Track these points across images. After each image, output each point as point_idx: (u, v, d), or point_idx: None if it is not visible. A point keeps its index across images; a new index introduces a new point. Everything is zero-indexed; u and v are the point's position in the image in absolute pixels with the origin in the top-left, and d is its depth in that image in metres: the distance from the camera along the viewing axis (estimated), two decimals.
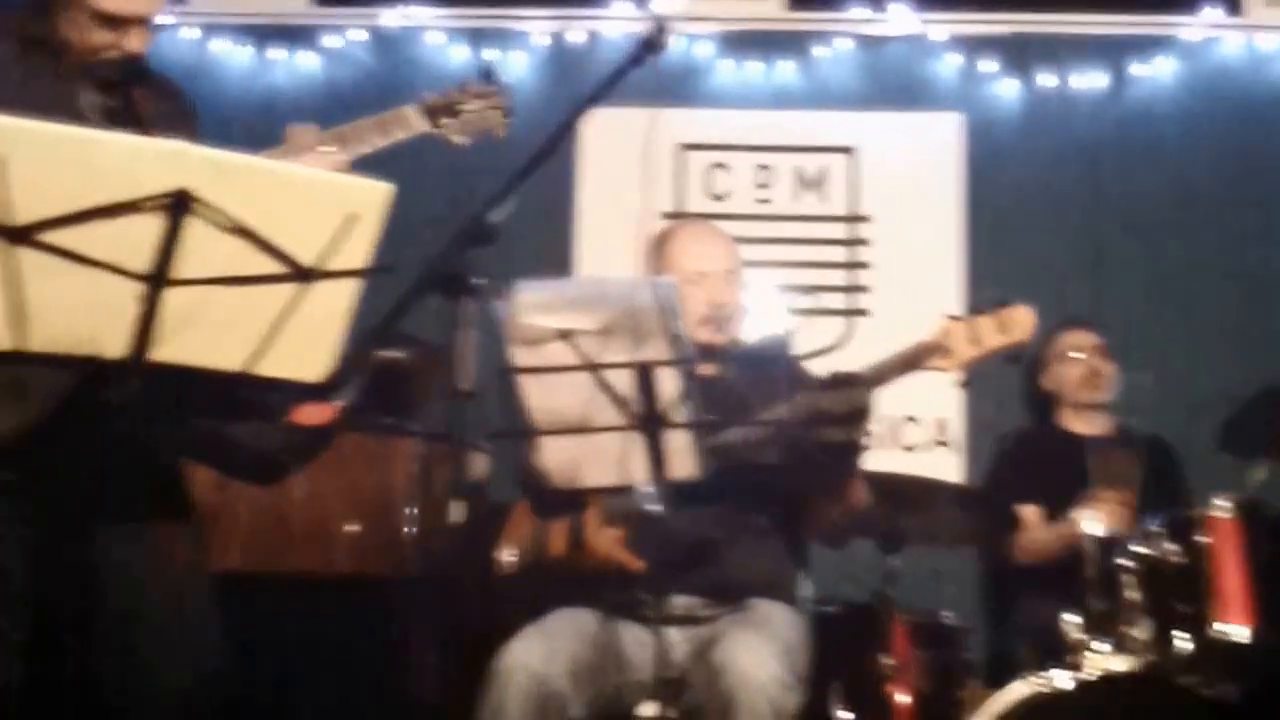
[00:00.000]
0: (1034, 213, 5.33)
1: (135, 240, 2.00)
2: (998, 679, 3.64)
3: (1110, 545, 3.48)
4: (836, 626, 3.69)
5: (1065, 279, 5.21)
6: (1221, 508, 3.42)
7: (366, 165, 2.66)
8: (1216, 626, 3.31)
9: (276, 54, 5.56)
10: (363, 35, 5.53)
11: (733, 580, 3.29)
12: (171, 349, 2.07)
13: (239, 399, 2.64)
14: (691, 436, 2.79)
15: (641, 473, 2.79)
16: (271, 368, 2.14)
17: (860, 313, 5.33)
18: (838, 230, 5.39)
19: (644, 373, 2.73)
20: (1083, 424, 4.46)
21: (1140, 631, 3.37)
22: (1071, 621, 3.42)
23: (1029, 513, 4.26)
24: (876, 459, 3.54)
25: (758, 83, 5.49)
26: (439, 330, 2.43)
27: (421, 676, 3.65)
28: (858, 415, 3.09)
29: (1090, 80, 5.40)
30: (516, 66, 5.43)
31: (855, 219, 5.39)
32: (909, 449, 5.15)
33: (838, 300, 5.35)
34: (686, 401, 2.75)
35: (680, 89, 5.31)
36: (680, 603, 3.23)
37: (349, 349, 2.20)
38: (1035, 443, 4.49)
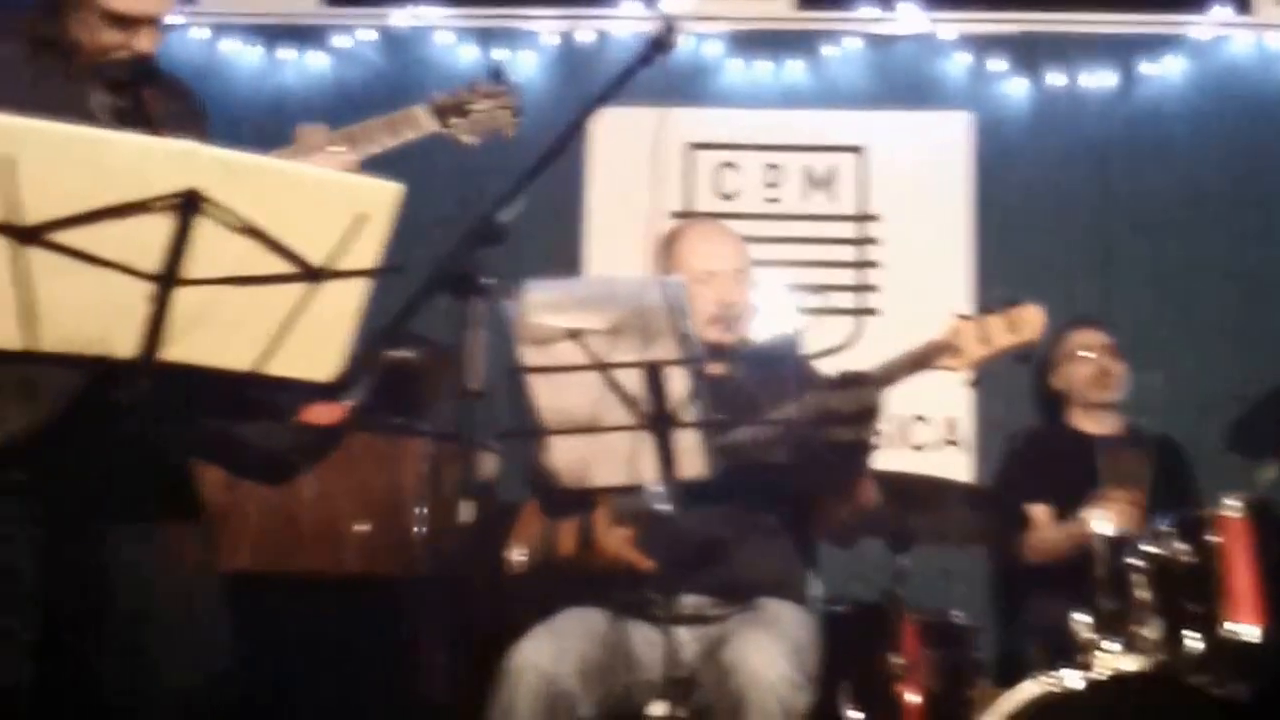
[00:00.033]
0: (1043, 212, 5.33)
1: (145, 240, 2.00)
2: (1008, 678, 3.64)
3: (1120, 545, 3.47)
4: (846, 626, 3.69)
5: (1074, 278, 5.20)
6: (1232, 507, 3.41)
7: (376, 165, 2.66)
8: (1227, 626, 3.30)
9: (286, 54, 5.56)
10: (372, 35, 5.54)
11: (742, 580, 3.28)
12: (181, 349, 2.07)
13: (248, 399, 2.64)
14: (700, 436, 2.79)
15: (651, 472, 2.79)
16: (281, 367, 2.14)
17: (869, 312, 5.33)
18: (847, 229, 5.39)
19: (653, 372, 2.72)
20: (1092, 423, 4.45)
21: (1150, 631, 3.37)
22: (1082, 621, 3.42)
23: (1039, 512, 4.26)
24: (886, 458, 3.54)
25: (767, 82, 5.49)
26: (448, 330, 2.43)
27: (431, 676, 3.66)
28: (867, 415, 3.09)
29: (1099, 79, 5.39)
30: (525, 66, 5.43)
31: (864, 218, 5.38)
32: (918, 448, 5.15)
33: (847, 299, 5.35)
34: (695, 401, 2.75)
35: (689, 88, 5.31)
36: (690, 602, 3.23)
37: (359, 349, 2.20)
38: (1045, 442, 4.48)
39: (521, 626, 3.18)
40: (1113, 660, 3.36)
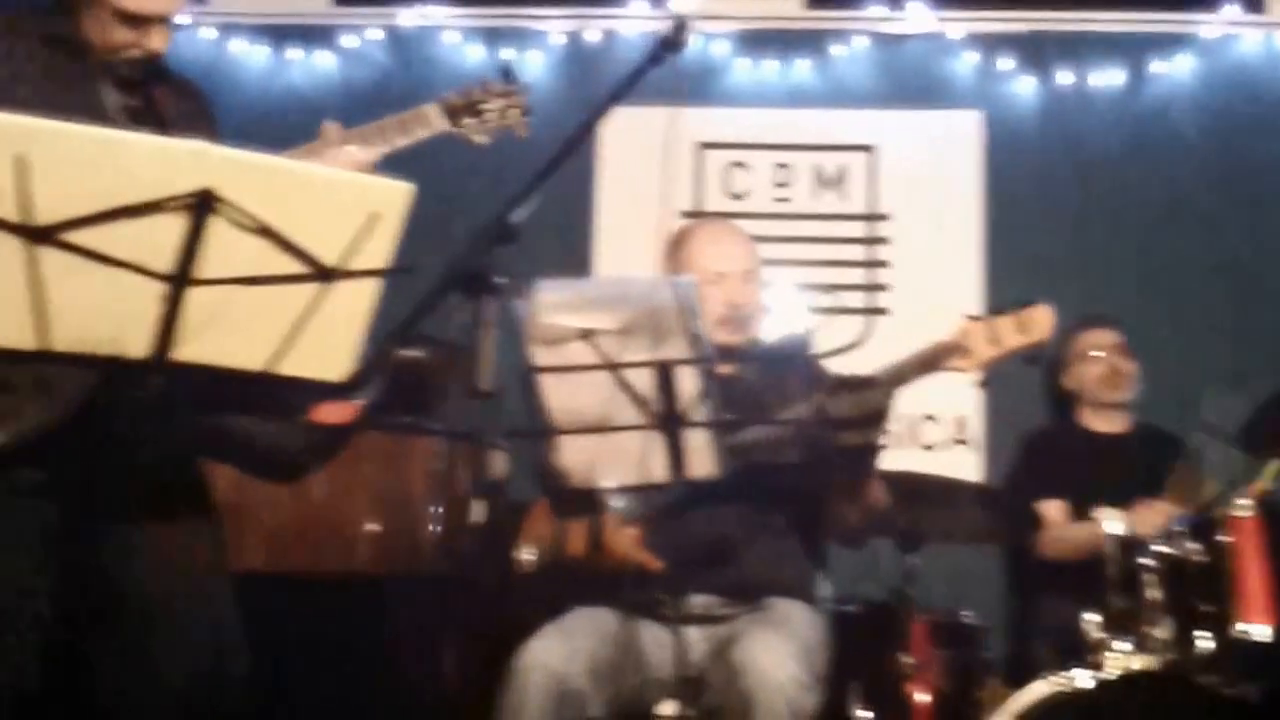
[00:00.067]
0: (1053, 210, 5.31)
1: (158, 240, 2.00)
2: (1018, 678, 3.63)
3: (1132, 544, 3.47)
4: (856, 626, 3.69)
5: (1084, 277, 5.19)
6: (1243, 506, 3.41)
7: (387, 164, 2.66)
8: (1238, 626, 3.29)
9: (294, 54, 5.56)
10: (380, 35, 5.53)
11: (751, 579, 3.28)
12: (193, 349, 2.07)
13: (260, 398, 2.64)
14: (711, 436, 2.78)
15: (661, 472, 2.79)
16: (293, 367, 2.14)
17: (879, 311, 5.32)
18: (857, 229, 5.38)
19: (663, 372, 2.72)
20: (1103, 422, 4.45)
21: (1161, 631, 3.36)
22: (1092, 620, 3.41)
23: (1053, 509, 4.25)
24: (895, 458, 3.53)
25: (775, 81, 5.48)
26: (460, 330, 2.43)
27: (441, 675, 3.66)
28: (876, 417, 3.08)
29: (1108, 78, 5.38)
30: (533, 66, 5.43)
31: (874, 217, 5.38)
32: (928, 447, 5.14)
33: (857, 299, 5.34)
34: (706, 401, 2.75)
35: (698, 88, 5.30)
36: (699, 602, 3.23)
37: (370, 348, 2.20)
38: (1056, 441, 4.48)
39: (531, 626, 3.19)
40: (1123, 660, 3.36)
